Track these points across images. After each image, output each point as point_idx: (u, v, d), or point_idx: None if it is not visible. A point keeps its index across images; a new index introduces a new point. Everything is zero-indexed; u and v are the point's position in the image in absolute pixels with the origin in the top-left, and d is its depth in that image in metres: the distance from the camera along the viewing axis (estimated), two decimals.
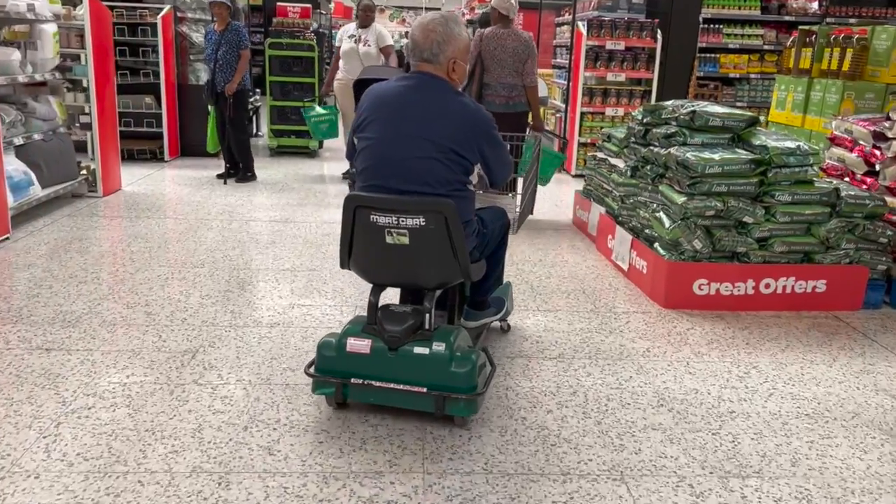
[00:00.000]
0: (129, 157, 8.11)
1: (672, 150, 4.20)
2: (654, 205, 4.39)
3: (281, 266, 4.57)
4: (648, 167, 4.53)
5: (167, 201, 6.27)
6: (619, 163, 5.19)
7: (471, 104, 2.69)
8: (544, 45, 10.24)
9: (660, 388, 3.10)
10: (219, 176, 7.25)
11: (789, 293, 4.10)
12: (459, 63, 2.71)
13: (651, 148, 4.51)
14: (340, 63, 7.15)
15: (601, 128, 8.16)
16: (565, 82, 8.57)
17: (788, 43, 5.89)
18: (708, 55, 8.48)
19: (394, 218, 2.52)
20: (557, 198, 7.04)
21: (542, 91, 9.88)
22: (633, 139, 4.85)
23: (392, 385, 2.62)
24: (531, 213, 4.00)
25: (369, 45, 6.84)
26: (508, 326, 3.69)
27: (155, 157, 8.18)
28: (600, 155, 5.62)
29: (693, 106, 4.29)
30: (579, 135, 8.16)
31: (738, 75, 8.57)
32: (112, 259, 4.58)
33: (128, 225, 5.44)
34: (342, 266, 2.77)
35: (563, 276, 4.62)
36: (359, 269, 2.77)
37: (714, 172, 3.99)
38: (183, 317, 3.67)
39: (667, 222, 4.13)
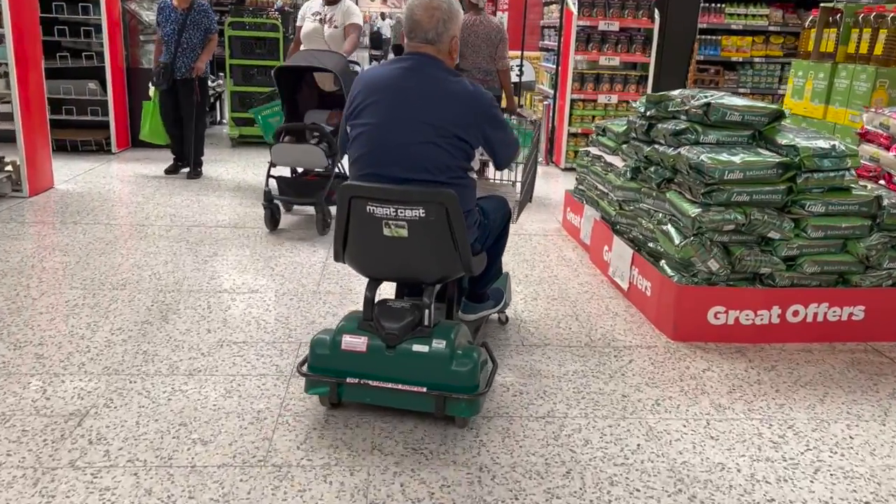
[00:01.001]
0: (73, 149, 7.34)
1: (682, 150, 3.51)
2: (661, 214, 3.70)
3: (218, 286, 3.85)
4: (652, 169, 3.83)
5: (104, 202, 5.52)
6: (617, 161, 4.49)
7: (470, 85, 2.54)
8: (531, 26, 9.50)
9: (676, 461, 2.43)
10: (168, 171, 6.49)
11: (821, 322, 3.44)
12: (456, 40, 2.62)
13: (656, 147, 3.81)
14: (302, 47, 5.70)
15: (593, 116, 7.47)
16: (554, 66, 7.86)
17: (807, 23, 5.20)
18: (708, 37, 7.77)
19: (392, 209, 2.40)
20: (545, 196, 6.34)
21: (529, 75, 9.21)
22: (633, 135, 4.15)
23: (390, 385, 2.49)
24: (530, 201, 3.73)
25: (336, 27, 5.46)
26: (506, 318, 3.52)
27: (101, 148, 7.40)
28: (594, 151, 4.92)
29: (707, 97, 3.60)
30: (569, 124, 7.45)
31: (740, 59, 7.87)
32: (16, 279, 3.84)
33: (49, 233, 4.70)
34: (336, 259, 2.62)
35: (552, 296, 3.93)
36: (354, 262, 2.63)
37: (734, 179, 3.30)
38: (81, 361, 2.96)
39: (676, 238, 3.45)
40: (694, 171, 3.38)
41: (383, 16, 29.70)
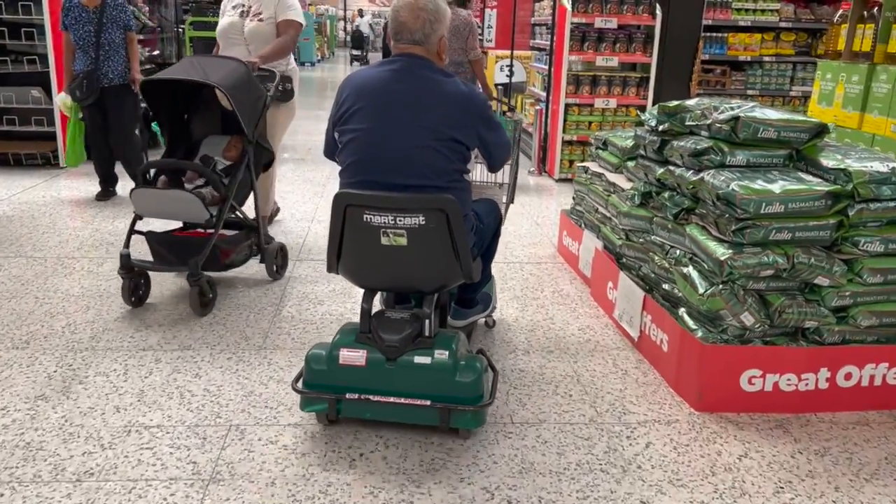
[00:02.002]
0: (17, 163, 6.65)
1: (706, 175, 2.86)
2: (679, 252, 3.05)
3: (142, 341, 3.18)
4: (667, 195, 3.18)
5: (35, 227, 4.83)
6: (621, 181, 3.84)
7: (463, 86, 2.50)
8: (521, 23, 8.86)
9: None
10: (99, 198, 5.64)
11: (878, 386, 2.79)
12: (444, 40, 2.55)
13: (671, 168, 3.16)
14: (221, 52, 4.38)
15: (589, 122, 6.83)
16: (546, 67, 7.21)
17: (836, 18, 4.56)
18: (714, 34, 7.14)
19: (390, 217, 2.31)
20: (537, 213, 5.68)
21: (520, 76, 8.57)
22: (642, 152, 3.50)
23: (392, 399, 2.41)
24: (512, 202, 3.37)
25: (262, 20, 4.21)
26: (493, 322, 3.46)
27: (49, 162, 6.70)
28: (594, 167, 4.27)
29: (734, 109, 2.95)
30: (563, 131, 6.80)
31: (748, 58, 7.25)
32: None
33: None
34: (329, 270, 2.53)
35: (547, 348, 3.27)
36: (349, 273, 2.55)
37: (773, 213, 2.66)
38: None
39: (700, 285, 2.79)
40: (722, 202, 2.73)
41: (361, 12, 28.90)
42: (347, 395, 2.42)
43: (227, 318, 3.45)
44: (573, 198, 4.57)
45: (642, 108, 6.84)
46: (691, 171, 3.00)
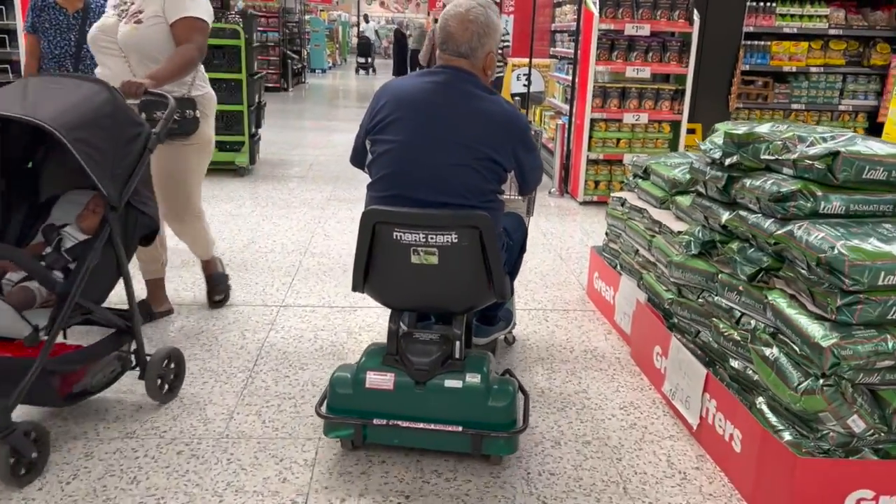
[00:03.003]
0: None
1: (796, 229, 2.19)
2: (754, 323, 2.38)
3: (73, 427, 2.52)
4: (736, 247, 2.52)
5: None
6: (668, 219, 3.18)
7: (507, 105, 2.43)
8: (539, 30, 8.21)
9: None
10: None
11: None
12: (492, 55, 2.46)
13: (741, 213, 2.50)
14: (97, 70, 3.22)
15: (618, 140, 6.16)
16: (569, 77, 6.55)
17: None
18: (756, 42, 6.46)
19: (421, 235, 2.24)
20: (560, 245, 5.01)
21: (538, 85, 7.93)
22: (701, 189, 2.83)
23: (421, 424, 2.30)
24: (532, 215, 3.18)
25: (139, 21, 2.98)
26: (514, 338, 3.37)
27: None
28: (631, 199, 3.61)
29: (828, 141, 2.28)
30: (588, 149, 6.14)
31: (794, 68, 6.56)
32: None
33: None
34: (355, 289, 2.39)
35: (582, 436, 2.61)
36: (376, 292, 2.44)
37: (893, 284, 1.99)
38: None
39: (793, 375, 2.12)
40: (823, 268, 2.06)
41: (367, 18, 28.22)
42: (375, 421, 2.32)
43: (185, 390, 2.81)
44: (606, 233, 3.91)
45: (676, 124, 6.17)
46: (771, 220, 2.34)
